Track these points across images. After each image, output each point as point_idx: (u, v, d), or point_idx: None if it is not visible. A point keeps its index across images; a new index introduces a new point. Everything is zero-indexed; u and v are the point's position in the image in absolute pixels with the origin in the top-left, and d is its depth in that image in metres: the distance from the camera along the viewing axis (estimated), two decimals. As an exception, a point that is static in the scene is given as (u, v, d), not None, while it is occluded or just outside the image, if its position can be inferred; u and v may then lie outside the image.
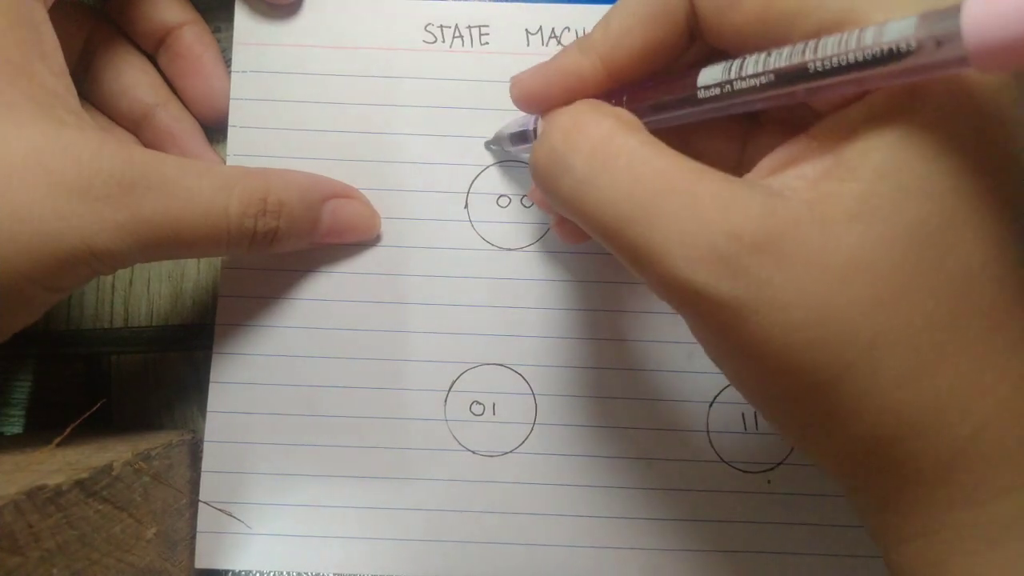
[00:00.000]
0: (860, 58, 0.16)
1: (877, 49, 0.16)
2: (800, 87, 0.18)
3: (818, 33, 0.18)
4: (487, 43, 0.30)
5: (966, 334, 0.17)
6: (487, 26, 0.30)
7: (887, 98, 0.17)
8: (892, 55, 0.15)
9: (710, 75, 0.19)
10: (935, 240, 0.17)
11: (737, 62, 0.19)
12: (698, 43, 0.22)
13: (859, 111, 0.18)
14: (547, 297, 0.29)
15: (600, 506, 0.28)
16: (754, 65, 0.18)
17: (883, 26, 0.16)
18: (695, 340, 0.20)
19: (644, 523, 0.28)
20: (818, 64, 0.17)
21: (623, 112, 0.20)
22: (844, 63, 0.16)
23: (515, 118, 0.27)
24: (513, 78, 0.23)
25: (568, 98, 0.22)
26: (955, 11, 0.14)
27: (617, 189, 0.18)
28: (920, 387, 0.17)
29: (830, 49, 0.17)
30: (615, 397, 0.29)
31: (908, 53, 0.15)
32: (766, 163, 0.20)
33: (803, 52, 0.17)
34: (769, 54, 0.18)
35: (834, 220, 0.17)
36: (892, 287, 0.17)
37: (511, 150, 0.28)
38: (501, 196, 0.29)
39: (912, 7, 0.16)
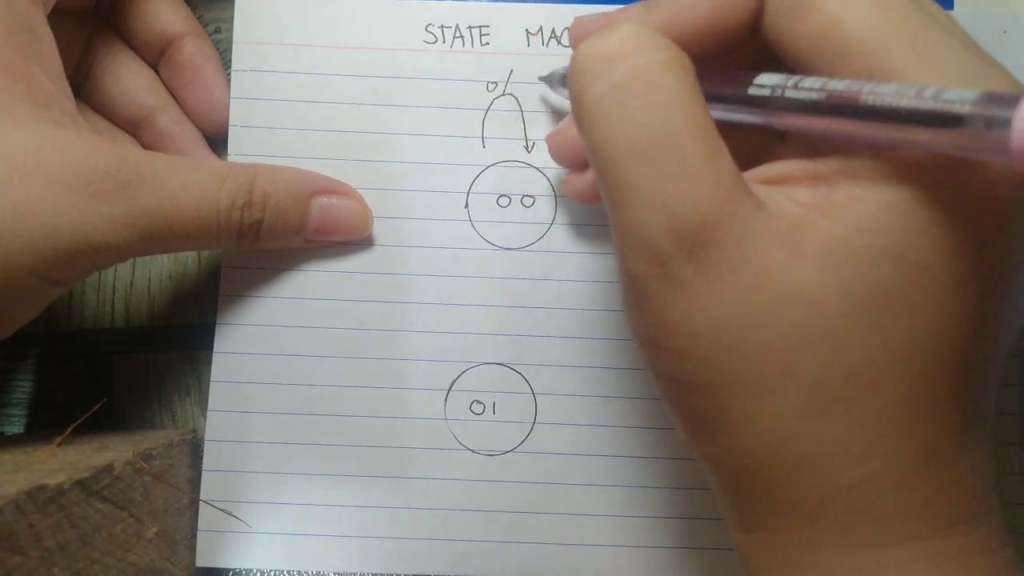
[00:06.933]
0: (913, 107, 0.16)
1: (931, 106, 0.16)
2: (841, 121, 0.18)
3: (867, 76, 0.18)
4: (488, 43, 0.30)
5: (880, 396, 0.18)
6: (488, 26, 0.30)
7: (899, 157, 0.18)
8: (943, 118, 0.16)
9: (769, 78, 0.20)
10: (888, 304, 0.17)
11: (797, 77, 0.19)
12: (747, 49, 0.22)
13: (866, 158, 0.18)
14: (547, 297, 0.29)
15: (600, 505, 0.28)
16: (811, 82, 0.18)
17: (943, 89, 0.16)
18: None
19: (643, 521, 0.28)
20: (870, 99, 0.17)
21: (685, 56, 0.19)
22: (896, 106, 0.16)
23: None
24: (577, 18, 0.24)
25: None
26: (1017, 100, 0.14)
27: (641, 120, 0.18)
28: (816, 425, 0.18)
29: (887, 90, 0.17)
30: (615, 396, 0.29)
31: (958, 122, 0.15)
32: (762, 171, 0.20)
33: (861, 86, 0.17)
34: (831, 78, 0.18)
35: (805, 250, 0.17)
36: (827, 329, 0.17)
37: (560, 92, 0.28)
38: (501, 196, 0.29)
39: (966, 85, 0.17)
